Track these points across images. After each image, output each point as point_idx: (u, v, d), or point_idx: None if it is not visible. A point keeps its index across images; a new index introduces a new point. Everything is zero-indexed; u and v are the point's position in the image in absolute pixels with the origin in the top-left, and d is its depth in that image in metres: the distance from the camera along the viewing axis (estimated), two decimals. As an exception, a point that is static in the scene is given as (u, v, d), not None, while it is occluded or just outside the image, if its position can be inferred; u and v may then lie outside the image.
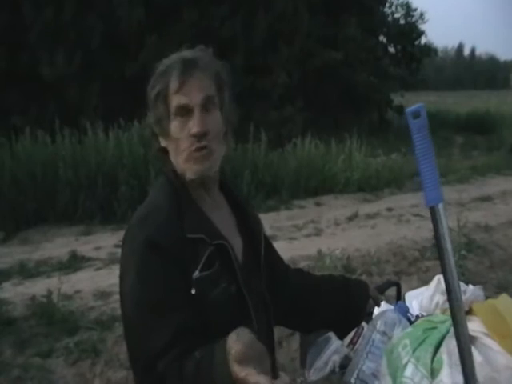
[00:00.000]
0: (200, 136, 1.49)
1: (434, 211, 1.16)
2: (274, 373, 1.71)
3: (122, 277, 1.50)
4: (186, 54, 1.56)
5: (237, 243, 1.63)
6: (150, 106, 1.58)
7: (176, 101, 1.50)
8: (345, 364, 1.81)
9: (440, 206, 1.15)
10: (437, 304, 1.59)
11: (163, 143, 1.58)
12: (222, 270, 1.50)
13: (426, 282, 1.74)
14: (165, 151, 1.59)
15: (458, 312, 1.21)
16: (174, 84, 1.50)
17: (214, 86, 1.54)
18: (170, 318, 1.40)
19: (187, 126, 1.50)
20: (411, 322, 1.72)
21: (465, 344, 1.24)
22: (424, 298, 1.66)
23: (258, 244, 1.70)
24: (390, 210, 9.77)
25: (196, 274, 1.45)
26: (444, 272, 1.18)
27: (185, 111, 1.50)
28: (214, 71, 1.56)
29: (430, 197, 1.15)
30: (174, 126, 1.52)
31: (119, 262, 1.54)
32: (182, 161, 1.53)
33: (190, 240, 1.47)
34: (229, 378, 1.22)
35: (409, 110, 1.13)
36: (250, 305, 1.55)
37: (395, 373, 1.42)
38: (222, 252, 1.52)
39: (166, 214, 1.49)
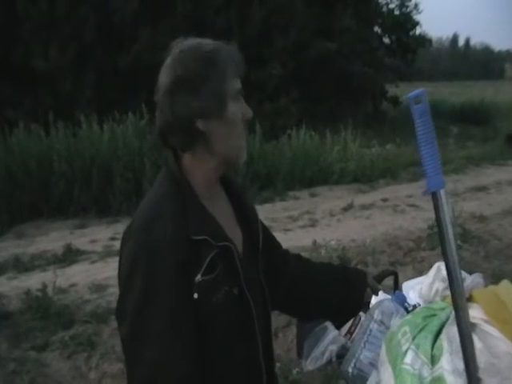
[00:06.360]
0: None
1: (436, 197, 1.14)
2: (270, 363, 1.69)
3: (125, 282, 1.43)
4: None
5: (237, 236, 1.60)
6: (196, 83, 1.44)
7: (237, 84, 1.51)
8: (342, 354, 1.79)
9: (442, 191, 1.14)
10: (436, 291, 1.57)
11: (204, 126, 1.47)
12: (225, 273, 1.46)
13: (421, 272, 1.73)
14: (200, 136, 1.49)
15: (459, 297, 1.20)
16: (234, 69, 1.50)
17: None
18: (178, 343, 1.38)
19: (241, 111, 1.52)
20: (408, 312, 1.71)
21: (465, 330, 1.23)
22: (423, 285, 1.64)
23: (256, 233, 1.68)
24: (385, 200, 9.77)
25: (198, 277, 1.41)
26: (445, 257, 1.17)
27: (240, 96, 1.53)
28: None
29: (432, 182, 1.14)
30: (236, 108, 1.51)
31: (118, 261, 1.48)
32: (238, 146, 1.53)
33: (195, 241, 1.42)
34: None
35: (410, 95, 1.11)
36: (252, 304, 1.51)
37: (395, 360, 1.41)
38: (226, 254, 1.47)
39: (172, 217, 1.43)
